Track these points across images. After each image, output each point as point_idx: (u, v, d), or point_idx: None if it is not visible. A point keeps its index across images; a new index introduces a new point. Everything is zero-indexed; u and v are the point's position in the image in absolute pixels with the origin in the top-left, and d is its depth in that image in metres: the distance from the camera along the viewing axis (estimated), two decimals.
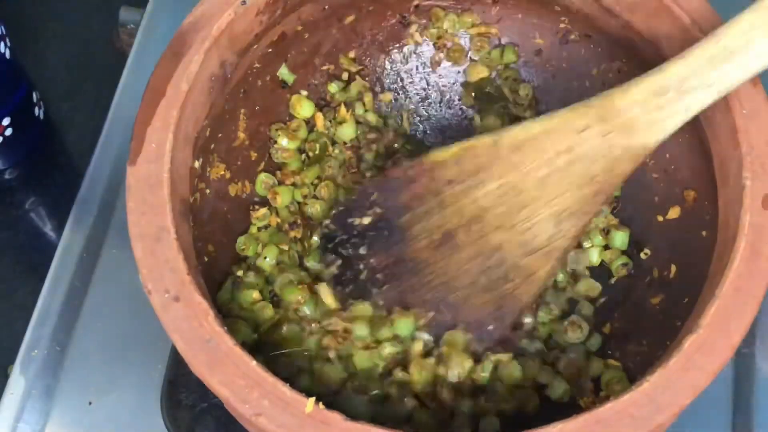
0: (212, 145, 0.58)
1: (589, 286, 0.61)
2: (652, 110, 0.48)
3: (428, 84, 0.69)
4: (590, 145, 0.50)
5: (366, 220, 0.57)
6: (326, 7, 0.63)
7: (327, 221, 0.59)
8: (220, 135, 0.59)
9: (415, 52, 0.68)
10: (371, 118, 0.67)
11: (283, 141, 0.64)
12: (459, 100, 0.69)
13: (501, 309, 0.53)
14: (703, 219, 0.55)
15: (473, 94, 0.68)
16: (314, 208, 0.64)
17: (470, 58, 0.68)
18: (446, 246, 0.53)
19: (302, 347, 0.56)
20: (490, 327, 0.53)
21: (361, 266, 0.57)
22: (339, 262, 0.57)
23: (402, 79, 0.69)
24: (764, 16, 0.45)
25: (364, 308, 0.57)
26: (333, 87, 0.67)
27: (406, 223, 0.55)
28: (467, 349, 0.56)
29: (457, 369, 0.55)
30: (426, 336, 0.56)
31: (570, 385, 0.57)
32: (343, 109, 0.66)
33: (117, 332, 0.66)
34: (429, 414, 0.55)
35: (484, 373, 0.55)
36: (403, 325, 0.55)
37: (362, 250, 0.57)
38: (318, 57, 0.65)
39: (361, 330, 0.56)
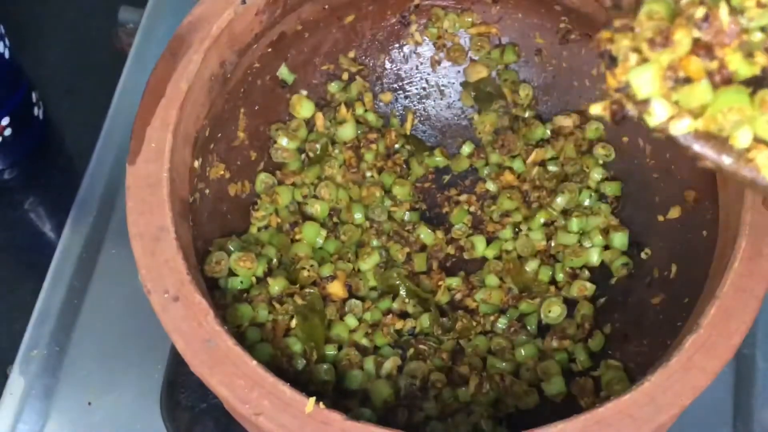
0: (212, 145, 0.58)
1: (581, 287, 0.61)
2: None
3: (428, 84, 0.69)
4: None
5: None
6: (326, 6, 0.62)
7: None
8: (219, 135, 0.59)
9: (415, 52, 0.68)
10: (371, 118, 0.67)
11: (283, 141, 0.64)
12: (459, 99, 0.69)
13: None
14: (704, 218, 0.55)
15: (473, 93, 0.68)
16: (314, 208, 0.64)
17: (470, 57, 0.68)
18: None
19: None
20: None
21: None
22: None
23: (402, 79, 0.69)
24: None
25: None
26: (333, 87, 0.67)
27: None
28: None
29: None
30: None
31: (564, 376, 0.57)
32: (343, 109, 0.66)
33: (116, 332, 0.66)
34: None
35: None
36: None
37: None
38: (318, 57, 0.65)
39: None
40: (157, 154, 0.50)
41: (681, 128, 0.32)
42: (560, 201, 0.64)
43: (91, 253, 0.69)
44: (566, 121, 0.66)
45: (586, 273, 0.63)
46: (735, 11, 0.31)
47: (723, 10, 0.30)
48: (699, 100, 0.31)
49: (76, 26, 0.86)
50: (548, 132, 0.66)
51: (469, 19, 0.66)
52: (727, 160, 0.32)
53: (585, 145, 0.65)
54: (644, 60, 0.31)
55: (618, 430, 0.43)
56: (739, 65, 0.31)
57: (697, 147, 0.33)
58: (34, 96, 0.75)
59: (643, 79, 0.31)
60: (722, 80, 0.31)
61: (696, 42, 0.31)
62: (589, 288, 0.61)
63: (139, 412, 0.63)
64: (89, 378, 0.64)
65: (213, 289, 0.57)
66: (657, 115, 0.32)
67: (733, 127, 0.32)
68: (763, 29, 0.32)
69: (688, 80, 0.31)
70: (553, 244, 0.64)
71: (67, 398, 0.64)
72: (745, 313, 0.46)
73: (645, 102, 0.32)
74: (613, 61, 0.32)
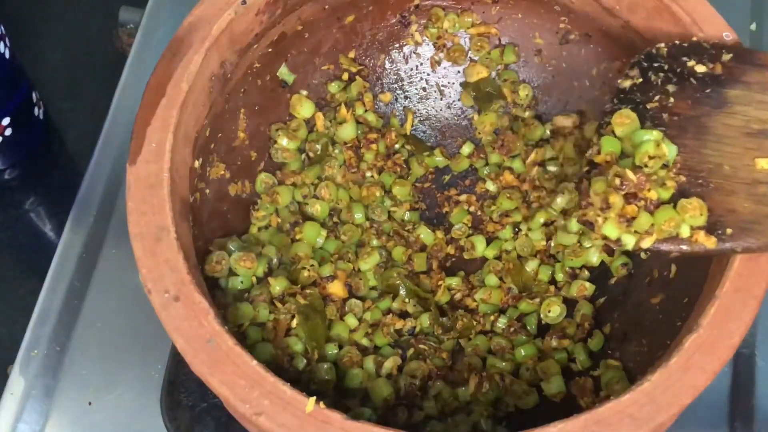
0: (212, 145, 0.58)
1: (581, 287, 0.62)
2: None
3: (428, 84, 0.69)
4: None
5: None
6: (326, 6, 0.63)
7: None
8: (220, 135, 0.59)
9: (415, 52, 0.68)
10: (371, 118, 0.67)
11: (283, 141, 0.64)
12: (459, 99, 0.69)
13: (755, 224, 0.47)
14: None
15: (473, 93, 0.68)
16: (314, 208, 0.64)
17: (470, 57, 0.68)
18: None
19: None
20: (728, 231, 0.47)
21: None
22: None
23: (402, 79, 0.69)
24: None
25: None
26: (333, 87, 0.67)
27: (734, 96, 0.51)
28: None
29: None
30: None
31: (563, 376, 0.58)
32: (343, 109, 0.66)
33: (117, 332, 0.66)
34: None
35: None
36: None
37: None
38: (318, 57, 0.66)
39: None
40: (158, 154, 0.50)
41: (646, 244, 0.48)
42: (560, 201, 0.64)
43: (92, 253, 0.69)
44: (566, 121, 0.66)
45: (586, 273, 0.63)
46: (639, 168, 0.48)
47: (629, 173, 0.47)
48: (647, 224, 0.47)
49: (76, 26, 0.86)
50: (548, 132, 0.66)
51: (469, 20, 0.66)
52: (685, 247, 0.48)
53: (585, 145, 0.65)
54: (605, 219, 0.48)
55: (618, 429, 0.43)
56: (659, 193, 0.47)
57: (664, 247, 0.48)
58: (34, 96, 0.75)
59: (609, 230, 0.48)
60: (654, 206, 0.47)
61: (626, 195, 0.47)
62: (589, 288, 0.62)
63: (139, 412, 0.63)
64: (89, 378, 0.64)
65: (213, 288, 0.57)
66: (628, 243, 0.48)
67: (675, 228, 0.47)
68: (664, 166, 0.48)
69: (634, 217, 0.47)
70: (552, 244, 0.64)
71: (67, 398, 0.64)
72: (744, 312, 0.46)
73: (618, 240, 0.48)
74: (591, 225, 0.49)
